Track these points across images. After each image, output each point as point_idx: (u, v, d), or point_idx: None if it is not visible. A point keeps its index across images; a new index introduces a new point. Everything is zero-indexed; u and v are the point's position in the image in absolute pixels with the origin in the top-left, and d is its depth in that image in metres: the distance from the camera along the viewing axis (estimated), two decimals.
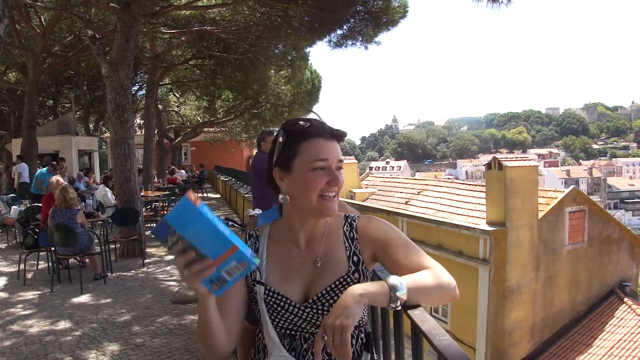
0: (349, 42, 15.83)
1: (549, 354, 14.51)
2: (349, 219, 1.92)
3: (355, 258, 1.87)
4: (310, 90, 27.30)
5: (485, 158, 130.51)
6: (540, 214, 16.32)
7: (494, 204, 15.32)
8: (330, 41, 16.03)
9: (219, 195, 28.26)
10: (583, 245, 17.76)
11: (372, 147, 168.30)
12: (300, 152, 1.78)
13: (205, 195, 28.39)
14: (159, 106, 26.30)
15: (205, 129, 34.57)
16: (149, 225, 13.90)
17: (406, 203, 21.77)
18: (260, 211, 6.74)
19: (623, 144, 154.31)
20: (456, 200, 19.57)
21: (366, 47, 15.85)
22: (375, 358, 1.93)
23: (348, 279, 1.82)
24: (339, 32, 15.65)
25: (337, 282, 1.80)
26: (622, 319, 17.21)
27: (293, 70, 22.58)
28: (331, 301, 1.78)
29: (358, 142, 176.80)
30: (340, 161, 1.80)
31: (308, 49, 21.20)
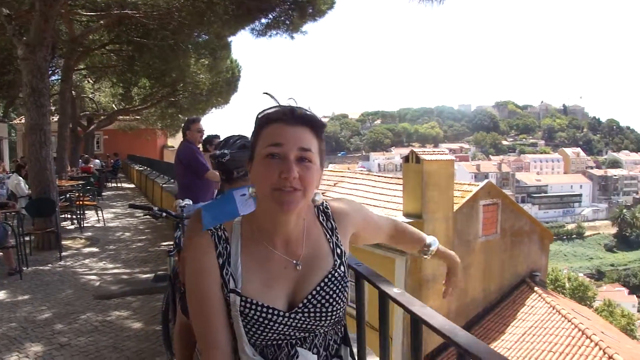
0: (274, 31, 15.65)
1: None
2: (322, 207, 1.83)
3: (338, 250, 1.79)
4: (230, 80, 26.78)
5: (398, 151, 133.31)
6: (456, 207, 16.63)
7: (410, 196, 15.45)
8: (254, 30, 15.81)
9: (133, 185, 27.54)
10: (496, 237, 18.22)
11: None
12: (260, 137, 1.64)
13: (119, 185, 27.70)
14: (73, 92, 25.29)
15: (121, 117, 33.33)
16: (63, 216, 13.44)
17: (322, 195, 21.59)
18: (190, 202, 6.53)
19: (531, 140, 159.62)
20: (372, 192, 19.63)
21: (292, 37, 15.71)
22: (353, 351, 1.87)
23: (335, 274, 1.74)
24: (263, 20, 15.44)
25: (326, 279, 1.71)
26: (532, 307, 17.77)
27: (214, 59, 22.11)
28: (322, 301, 1.68)
29: None
30: (304, 149, 1.60)
31: (231, 38, 20.88)
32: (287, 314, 1.63)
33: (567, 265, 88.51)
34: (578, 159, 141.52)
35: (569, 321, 15.93)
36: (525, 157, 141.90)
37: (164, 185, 15.58)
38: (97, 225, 14.27)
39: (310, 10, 14.76)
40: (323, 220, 1.82)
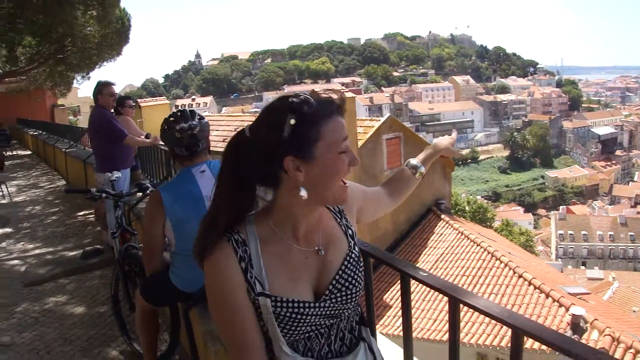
0: None
1: (379, 274, 15.06)
2: None
3: (349, 232, 1.82)
4: (120, 30, 25.45)
5: (291, 89, 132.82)
6: (360, 143, 16.80)
7: None
8: None
9: (29, 152, 25.97)
10: None
11: (177, 85, 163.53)
12: (322, 135, 1.53)
13: (14, 152, 26.00)
14: None
15: (7, 79, 31.11)
16: None
17: (223, 141, 21.19)
18: (120, 174, 6.16)
19: (422, 71, 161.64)
20: None
21: None
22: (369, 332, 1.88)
23: (352, 254, 1.77)
24: None
25: (346, 262, 1.74)
26: (441, 234, 18.40)
27: (103, 9, 20.90)
28: (346, 284, 1.71)
29: (161, 81, 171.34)
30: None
31: None
32: (316, 304, 1.64)
33: (465, 189, 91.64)
34: (468, 87, 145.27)
35: (477, 245, 16.57)
36: (416, 87, 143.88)
37: (67, 150, 14.78)
38: (3, 201, 13.37)
39: None
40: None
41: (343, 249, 1.76)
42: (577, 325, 11.09)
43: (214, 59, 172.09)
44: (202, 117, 3.52)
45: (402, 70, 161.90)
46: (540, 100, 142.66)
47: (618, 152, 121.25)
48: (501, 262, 15.11)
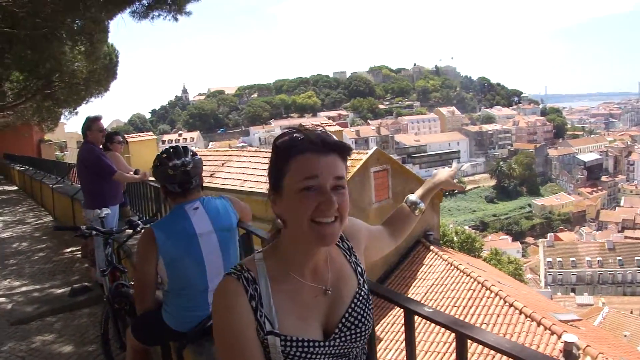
0: (156, 13, 14.93)
1: None
2: None
3: (359, 269, 1.81)
4: (108, 66, 25.46)
5: (278, 123, 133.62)
6: (348, 176, 16.79)
7: None
8: (134, 12, 15.02)
9: (15, 187, 25.77)
10: (389, 201, 18.81)
11: (163, 120, 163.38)
12: (289, 169, 1.55)
13: (1, 188, 25.78)
14: None
15: None
16: None
17: (211, 176, 21.22)
18: (109, 210, 6.12)
19: (407, 103, 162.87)
20: (262, 169, 19.46)
21: (176, 19, 14.97)
22: None
23: (362, 292, 1.76)
24: (144, 2, 14.70)
25: (355, 300, 1.73)
26: (431, 266, 18.30)
27: (92, 45, 20.90)
28: (356, 322, 1.70)
29: (148, 116, 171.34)
30: (339, 178, 1.56)
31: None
32: (326, 343, 1.62)
33: (452, 219, 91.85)
34: (453, 117, 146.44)
35: (467, 275, 16.46)
36: (402, 119, 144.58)
37: (54, 186, 14.68)
38: None
39: None
40: (339, 241, 1.79)
41: (353, 286, 1.75)
42: (569, 352, 11.05)
43: (200, 94, 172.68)
44: (194, 154, 3.50)
45: (387, 103, 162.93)
46: (525, 129, 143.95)
47: (604, 178, 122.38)
48: (491, 291, 15.05)
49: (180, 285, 3.37)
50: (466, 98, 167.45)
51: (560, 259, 68.52)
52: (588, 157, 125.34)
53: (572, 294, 60.17)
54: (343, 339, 1.65)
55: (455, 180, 2.42)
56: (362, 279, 1.79)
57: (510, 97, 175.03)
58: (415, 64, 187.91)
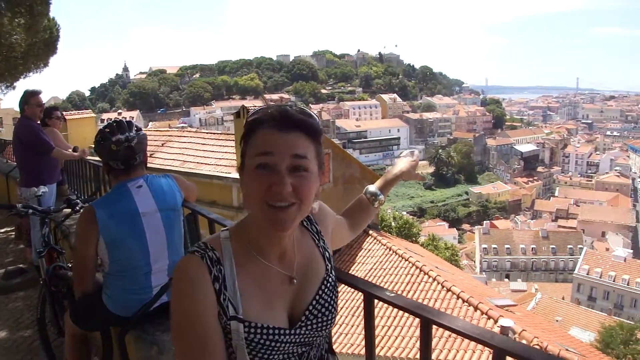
0: None
1: None
2: None
3: (327, 254, 1.74)
4: (48, 40, 24.66)
5: (219, 105, 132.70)
6: None
7: None
8: None
9: None
10: (329, 185, 18.87)
11: (103, 98, 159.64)
12: (248, 146, 1.47)
13: None
14: None
15: None
16: None
17: (150, 156, 20.81)
18: (46, 188, 5.91)
19: (350, 88, 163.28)
20: (203, 150, 19.35)
21: None
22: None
23: (330, 279, 1.69)
24: None
25: (323, 287, 1.66)
26: (370, 250, 18.45)
27: (32, 17, 20.20)
28: (323, 310, 1.62)
29: (88, 94, 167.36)
30: (299, 157, 1.42)
31: None
32: (291, 331, 1.54)
33: (391, 205, 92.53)
34: (395, 104, 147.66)
35: (405, 260, 16.63)
36: (344, 105, 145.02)
37: None
38: None
39: None
40: (307, 224, 1.73)
41: (320, 272, 1.68)
42: (506, 336, 11.25)
43: (141, 73, 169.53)
44: (139, 129, 3.36)
45: (330, 88, 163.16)
46: (465, 118, 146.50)
47: (539, 169, 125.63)
48: (429, 276, 15.22)
49: (122, 267, 3.25)
50: (408, 86, 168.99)
51: (495, 246, 70.39)
52: (525, 148, 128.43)
53: (506, 280, 61.78)
54: (309, 327, 1.58)
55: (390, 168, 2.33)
56: (329, 265, 1.72)
57: (451, 87, 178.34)
58: (359, 50, 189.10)
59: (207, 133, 23.29)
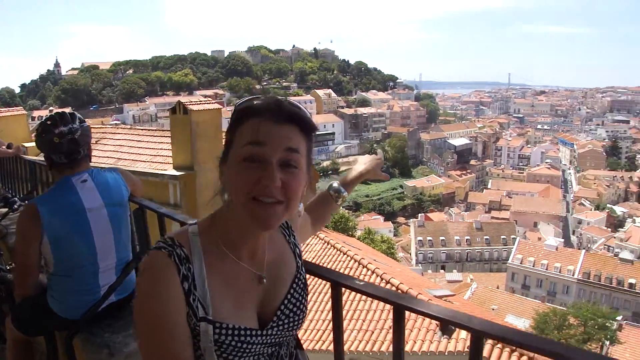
0: None
1: None
2: None
3: (297, 250, 1.69)
4: None
5: (153, 101, 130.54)
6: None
7: (180, 148, 15.13)
8: None
9: None
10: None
11: (34, 95, 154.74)
12: (236, 135, 1.39)
13: None
14: None
15: None
16: None
17: None
18: None
19: (285, 84, 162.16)
20: (138, 147, 19.01)
21: None
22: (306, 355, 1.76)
23: (300, 276, 1.64)
24: None
25: (294, 285, 1.60)
26: (308, 244, 18.30)
27: None
28: (294, 309, 1.58)
29: (18, 90, 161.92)
30: (291, 150, 1.36)
31: None
32: (262, 332, 1.49)
33: None
34: (330, 100, 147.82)
35: (344, 254, 16.68)
36: None
37: None
38: None
39: None
40: None
41: (291, 270, 1.63)
42: (446, 326, 11.47)
43: (74, 69, 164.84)
44: (83, 121, 3.23)
45: (265, 83, 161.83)
46: (399, 113, 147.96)
47: (472, 162, 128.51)
48: (368, 269, 15.30)
49: (67, 266, 3.13)
50: (343, 81, 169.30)
51: (430, 238, 71.64)
52: (458, 141, 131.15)
53: (442, 271, 62.68)
54: (280, 327, 1.54)
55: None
56: (300, 262, 1.67)
57: (385, 82, 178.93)
58: (294, 46, 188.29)
59: (141, 130, 22.91)
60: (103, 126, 29.53)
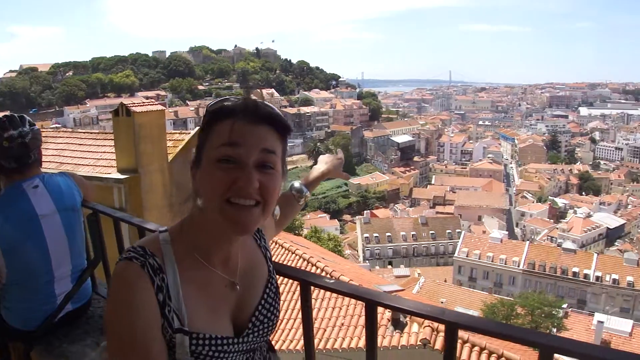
0: None
1: None
2: None
3: (268, 254, 1.67)
4: None
5: (94, 103, 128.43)
6: (170, 157, 16.61)
7: (123, 151, 14.88)
8: None
9: None
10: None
11: None
12: (210, 136, 1.35)
13: None
14: None
15: None
16: None
17: None
18: None
19: (227, 84, 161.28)
20: (81, 150, 18.63)
21: None
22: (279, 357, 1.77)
23: (272, 281, 1.63)
24: None
25: (267, 290, 1.59)
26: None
27: None
28: (268, 314, 1.56)
29: None
30: (268, 152, 1.33)
31: None
32: (238, 339, 1.47)
33: None
34: (272, 99, 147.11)
35: (292, 253, 16.72)
36: None
37: None
38: None
39: None
40: None
41: (263, 275, 1.61)
42: (397, 320, 11.53)
43: (11, 71, 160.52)
44: (33, 124, 3.14)
45: (207, 84, 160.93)
46: (342, 111, 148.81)
47: (416, 158, 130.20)
48: (317, 267, 15.30)
49: (21, 276, 3.04)
50: (286, 81, 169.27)
51: (377, 235, 72.38)
52: (401, 138, 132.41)
53: (389, 266, 63.24)
54: (256, 333, 1.53)
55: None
56: (271, 266, 1.65)
57: (328, 81, 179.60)
58: (236, 46, 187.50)
59: (83, 133, 22.46)
60: (43, 130, 28.79)
